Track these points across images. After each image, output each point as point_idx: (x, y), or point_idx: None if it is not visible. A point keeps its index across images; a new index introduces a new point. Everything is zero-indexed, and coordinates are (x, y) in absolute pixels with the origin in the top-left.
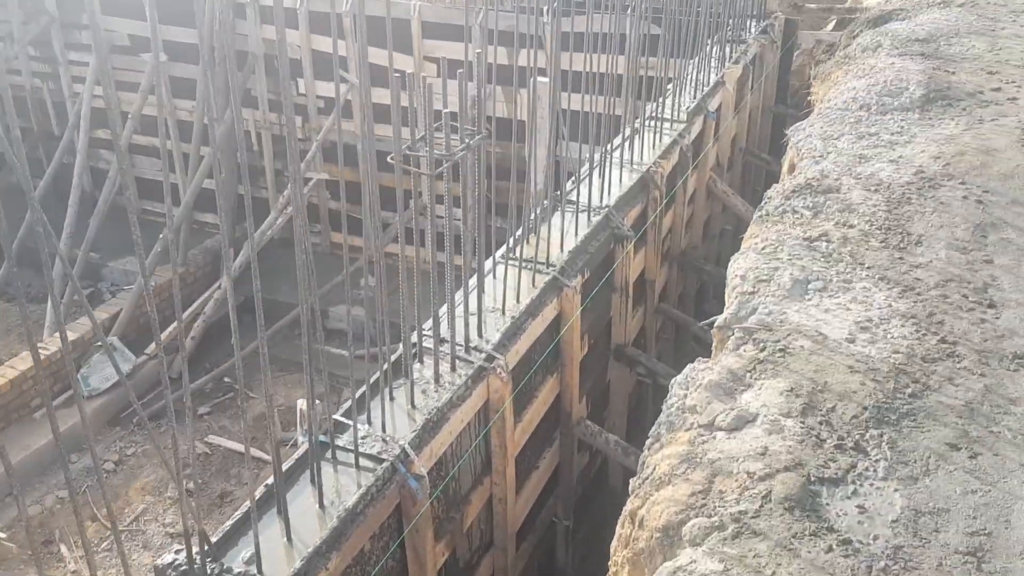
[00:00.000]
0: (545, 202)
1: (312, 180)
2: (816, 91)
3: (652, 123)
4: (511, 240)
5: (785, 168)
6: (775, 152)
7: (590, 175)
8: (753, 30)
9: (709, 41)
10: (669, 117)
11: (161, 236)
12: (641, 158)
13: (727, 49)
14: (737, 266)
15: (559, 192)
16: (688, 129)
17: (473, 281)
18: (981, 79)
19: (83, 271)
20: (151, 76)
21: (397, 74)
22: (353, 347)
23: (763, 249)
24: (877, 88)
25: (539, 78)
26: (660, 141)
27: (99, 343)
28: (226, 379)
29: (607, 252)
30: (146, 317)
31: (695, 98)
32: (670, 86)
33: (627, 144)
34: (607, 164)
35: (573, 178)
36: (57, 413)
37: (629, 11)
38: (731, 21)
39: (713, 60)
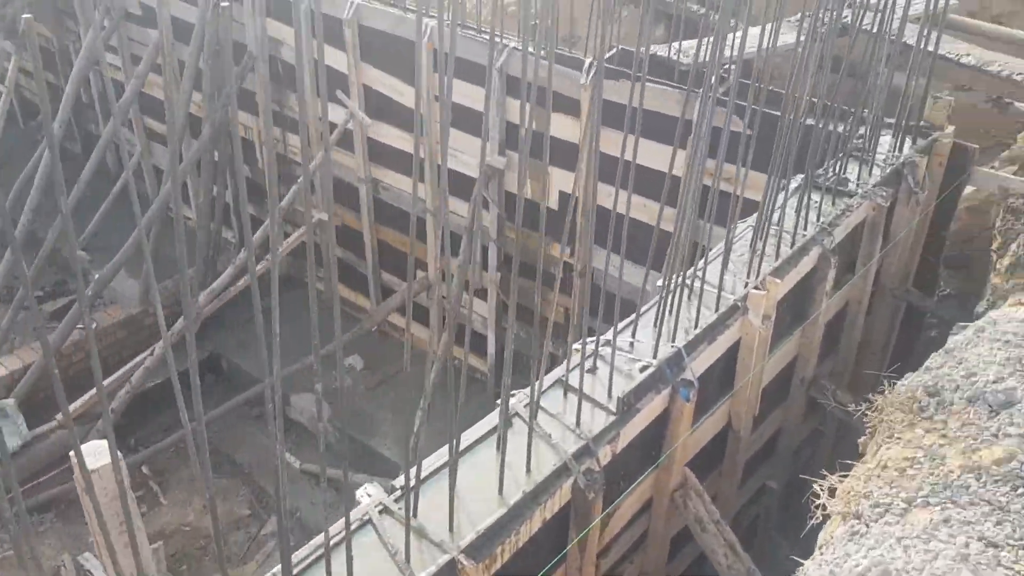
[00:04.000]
0: None
1: (314, 219)
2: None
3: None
4: None
5: None
6: (903, 364)
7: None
8: (880, 159)
9: (787, 181)
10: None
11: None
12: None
13: (802, 202)
14: None
15: None
16: (620, 420)
17: None
18: None
19: (65, 273)
20: (152, 54)
21: None
22: None
23: None
24: None
25: None
26: (531, 462)
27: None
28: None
29: None
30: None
31: (663, 340)
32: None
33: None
34: None
35: None
36: None
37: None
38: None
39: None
